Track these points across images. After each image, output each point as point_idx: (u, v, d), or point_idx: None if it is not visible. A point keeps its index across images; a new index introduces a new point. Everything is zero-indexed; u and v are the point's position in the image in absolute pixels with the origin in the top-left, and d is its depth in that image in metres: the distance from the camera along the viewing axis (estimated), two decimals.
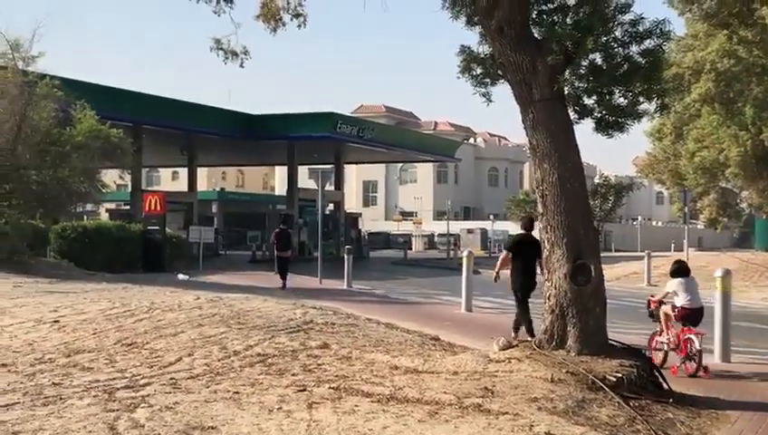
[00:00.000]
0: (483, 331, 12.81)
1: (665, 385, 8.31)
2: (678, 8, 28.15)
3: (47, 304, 12.29)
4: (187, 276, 23.05)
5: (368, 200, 78.35)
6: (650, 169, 50.23)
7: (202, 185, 51.57)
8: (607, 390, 7.44)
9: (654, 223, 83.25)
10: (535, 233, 11.63)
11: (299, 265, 26.48)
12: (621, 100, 9.05)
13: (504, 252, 12.32)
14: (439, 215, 66.72)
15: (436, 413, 6.25)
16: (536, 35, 8.94)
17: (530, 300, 11.59)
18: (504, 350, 8.69)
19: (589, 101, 9.07)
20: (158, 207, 26.34)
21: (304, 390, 6.94)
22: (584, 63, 8.90)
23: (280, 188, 70.30)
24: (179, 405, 6.27)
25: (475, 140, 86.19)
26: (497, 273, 11.96)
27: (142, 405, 6.24)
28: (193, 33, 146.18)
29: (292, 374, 7.70)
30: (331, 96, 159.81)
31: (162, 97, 32.30)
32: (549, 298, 8.61)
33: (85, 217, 33.15)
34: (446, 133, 72.25)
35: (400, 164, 72.09)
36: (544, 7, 9.15)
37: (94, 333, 9.70)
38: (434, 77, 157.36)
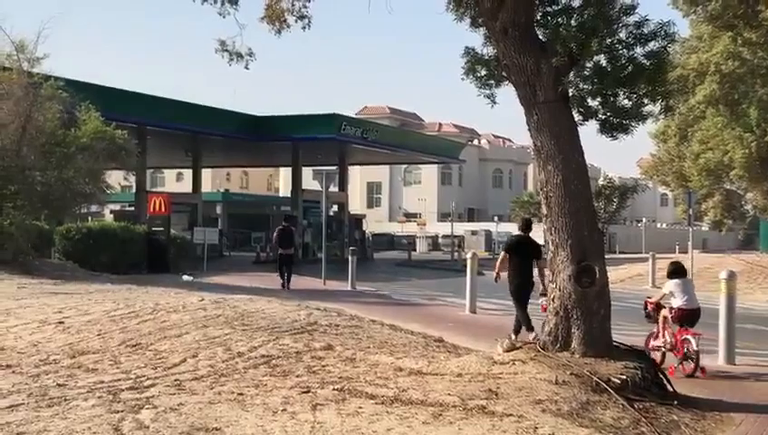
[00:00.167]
0: (487, 332, 12.81)
1: (669, 387, 8.31)
2: (683, 10, 28.16)
3: (52, 305, 12.29)
4: (192, 277, 23.10)
5: (372, 202, 78.35)
6: (655, 170, 50.17)
7: (206, 186, 51.65)
8: (611, 392, 7.43)
9: (658, 225, 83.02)
10: (534, 234, 11.70)
11: (303, 266, 26.49)
12: (626, 101, 9.04)
13: (503, 253, 12.36)
14: (443, 216, 66.66)
15: (441, 415, 6.25)
16: (541, 37, 8.94)
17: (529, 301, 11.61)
18: (508, 352, 8.70)
19: (593, 103, 9.07)
20: (163, 209, 26.41)
21: (308, 391, 6.94)
22: (589, 65, 8.90)
23: (284, 189, 70.36)
24: (184, 406, 6.28)
25: (479, 142, 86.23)
26: (497, 274, 11.99)
27: (147, 406, 6.25)
28: (197, 33, 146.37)
29: (297, 376, 7.70)
30: (335, 97, 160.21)
31: (167, 98, 32.26)
32: (553, 300, 8.60)
33: (90, 219, 33.28)
34: (451, 135, 72.16)
35: (404, 165, 72.13)
36: (549, 9, 9.15)
37: (99, 335, 9.71)
38: (438, 78, 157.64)
